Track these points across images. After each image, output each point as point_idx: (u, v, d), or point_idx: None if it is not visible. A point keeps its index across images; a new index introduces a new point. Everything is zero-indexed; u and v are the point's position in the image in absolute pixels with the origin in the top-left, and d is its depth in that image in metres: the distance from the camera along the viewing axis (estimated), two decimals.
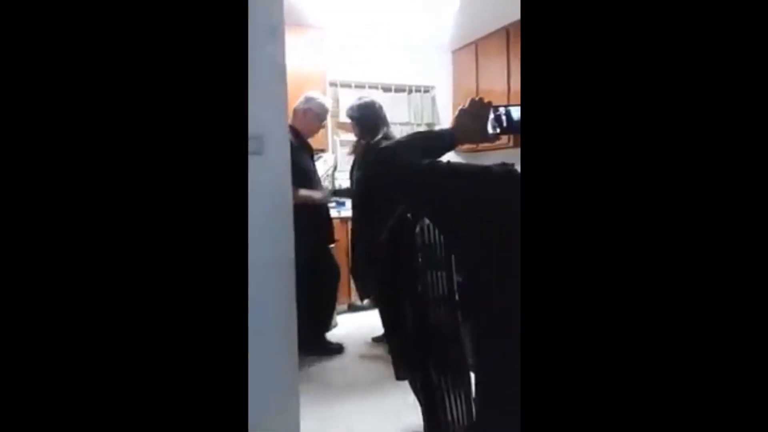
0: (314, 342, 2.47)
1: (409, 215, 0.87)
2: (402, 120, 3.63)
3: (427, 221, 0.82)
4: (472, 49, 3.59)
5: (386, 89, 3.73)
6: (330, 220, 2.57)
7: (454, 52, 3.83)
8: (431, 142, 0.85)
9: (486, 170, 0.74)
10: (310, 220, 2.28)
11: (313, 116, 2.40)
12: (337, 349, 2.56)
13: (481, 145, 3.76)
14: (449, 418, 0.87)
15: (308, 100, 2.40)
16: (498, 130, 0.82)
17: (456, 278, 0.84)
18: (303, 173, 2.22)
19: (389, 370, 1.61)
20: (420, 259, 0.86)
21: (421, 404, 1.24)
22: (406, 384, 1.21)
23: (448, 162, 0.78)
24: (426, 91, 3.84)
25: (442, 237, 0.84)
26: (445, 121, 3.85)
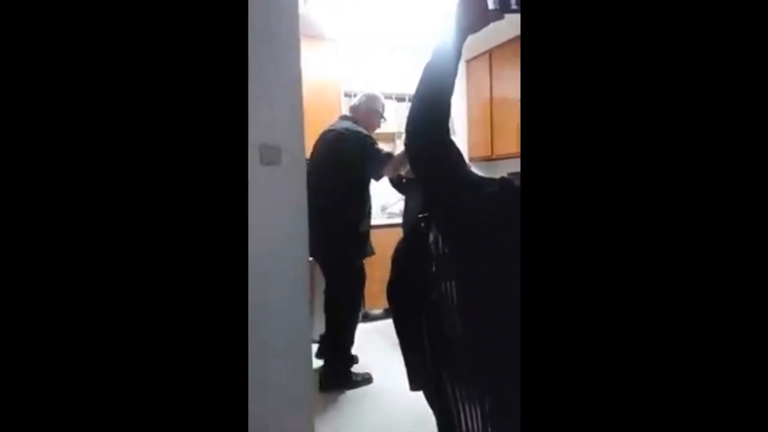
0: (341, 380, 2.26)
1: (422, 224, 0.87)
2: None
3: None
4: (486, 59, 3.60)
5: (400, 99, 3.75)
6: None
7: (468, 62, 3.84)
8: (438, 83, 0.77)
9: (484, 184, 0.73)
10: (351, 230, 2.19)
11: (377, 115, 2.37)
12: (366, 379, 2.31)
13: (496, 153, 3.76)
14: (463, 428, 0.86)
15: (373, 99, 2.35)
16: (499, 7, 0.76)
17: (466, 288, 0.83)
18: None
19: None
20: (434, 268, 0.86)
21: (436, 415, 1.23)
22: None
23: (456, 169, 0.76)
24: None
25: (445, 245, 0.83)
26: (460, 130, 3.85)
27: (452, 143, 0.77)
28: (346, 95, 3.53)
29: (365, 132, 2.23)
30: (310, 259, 1.58)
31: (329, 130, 2.29)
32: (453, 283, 0.82)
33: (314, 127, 2.33)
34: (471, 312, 0.79)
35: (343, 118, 2.35)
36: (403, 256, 1.09)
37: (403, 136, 2.76)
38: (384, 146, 3.98)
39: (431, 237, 0.85)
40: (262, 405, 1.32)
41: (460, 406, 0.87)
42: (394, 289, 1.41)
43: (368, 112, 2.34)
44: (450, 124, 0.81)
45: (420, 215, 0.89)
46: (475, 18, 0.78)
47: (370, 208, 2.32)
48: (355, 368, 2.37)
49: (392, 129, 3.69)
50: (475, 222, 0.72)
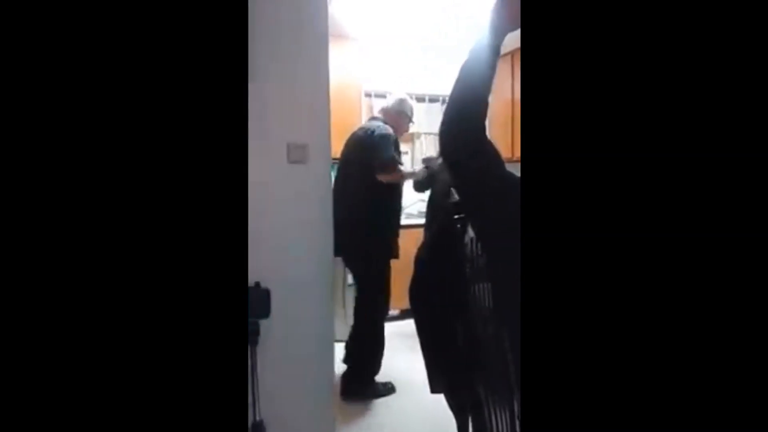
0: (363, 388, 2.22)
1: (458, 225, 0.87)
2: (436, 130, 3.64)
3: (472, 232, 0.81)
4: (508, 60, 3.57)
5: (420, 99, 3.74)
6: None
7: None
8: (475, 82, 0.76)
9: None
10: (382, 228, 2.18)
11: (406, 118, 2.44)
12: (389, 389, 2.26)
13: (516, 155, 3.72)
14: (494, 430, 0.85)
15: (402, 102, 2.42)
16: None
17: (501, 289, 0.82)
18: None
19: None
20: (468, 270, 0.86)
21: (457, 420, 1.22)
22: None
23: (494, 169, 0.75)
24: None
25: (482, 247, 0.82)
26: None
27: (489, 143, 0.77)
28: (367, 95, 3.54)
29: (391, 131, 2.24)
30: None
31: (359, 129, 2.33)
32: (487, 285, 0.81)
33: (335, 126, 2.34)
34: (505, 314, 0.78)
35: (374, 118, 2.40)
36: (428, 256, 1.09)
37: (422, 137, 2.74)
38: (403, 146, 3.98)
39: (467, 238, 0.85)
40: (282, 408, 1.33)
41: (491, 412, 0.87)
42: (417, 291, 1.42)
43: (397, 114, 2.38)
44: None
45: (456, 216, 0.88)
46: (513, 17, 0.77)
47: (397, 209, 2.30)
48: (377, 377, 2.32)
49: (411, 129, 3.68)
50: (515, 223, 0.71)
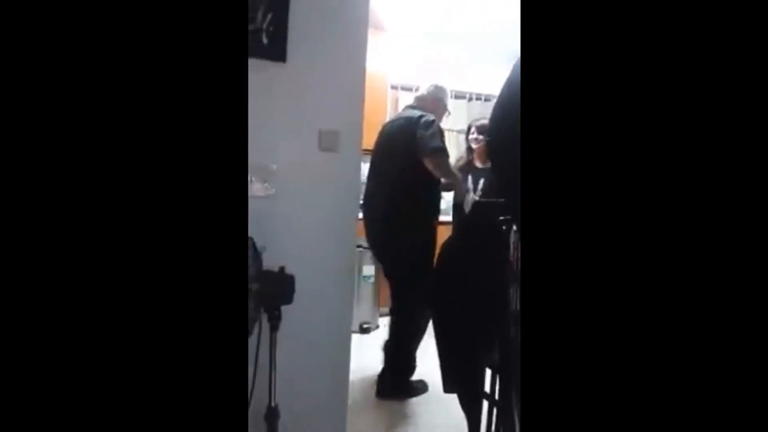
0: (398, 390, 2.13)
1: (504, 227, 0.85)
2: (460, 127, 3.60)
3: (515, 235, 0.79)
4: None
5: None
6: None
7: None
8: None
9: None
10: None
11: (443, 107, 2.29)
12: (421, 388, 2.16)
13: None
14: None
15: (439, 89, 2.28)
16: None
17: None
18: None
19: None
20: (507, 272, 0.84)
21: (469, 420, 1.20)
22: None
23: None
24: (486, 100, 3.78)
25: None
26: None
27: None
28: (393, 87, 3.51)
29: (434, 118, 2.07)
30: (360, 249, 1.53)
31: (396, 118, 2.20)
32: (518, 287, 0.79)
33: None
34: None
35: (410, 107, 2.24)
36: (455, 257, 1.07)
37: (446, 134, 2.62)
38: None
39: (510, 240, 0.83)
40: (297, 394, 1.33)
41: (516, 411, 0.85)
42: (439, 289, 1.40)
43: (434, 101, 2.22)
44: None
45: (501, 218, 0.86)
46: None
47: (437, 206, 2.17)
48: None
49: None
50: None
